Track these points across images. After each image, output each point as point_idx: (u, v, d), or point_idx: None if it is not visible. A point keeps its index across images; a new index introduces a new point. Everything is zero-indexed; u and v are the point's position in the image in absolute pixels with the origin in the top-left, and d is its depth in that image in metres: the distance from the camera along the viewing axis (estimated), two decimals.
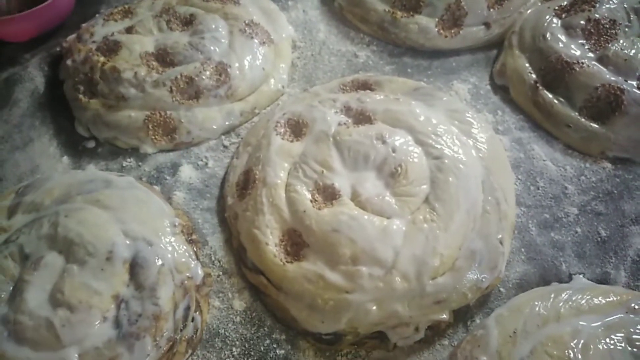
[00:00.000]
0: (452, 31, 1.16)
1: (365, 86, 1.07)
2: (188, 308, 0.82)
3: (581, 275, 0.89)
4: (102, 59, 1.08)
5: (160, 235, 0.85)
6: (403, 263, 0.81)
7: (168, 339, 0.79)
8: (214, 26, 1.12)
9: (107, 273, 0.80)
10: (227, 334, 0.85)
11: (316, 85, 1.12)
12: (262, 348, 0.83)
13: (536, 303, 0.80)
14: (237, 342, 0.84)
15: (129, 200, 0.89)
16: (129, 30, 1.14)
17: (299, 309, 0.82)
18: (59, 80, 1.15)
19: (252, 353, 0.83)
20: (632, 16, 1.09)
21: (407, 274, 0.80)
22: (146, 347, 0.77)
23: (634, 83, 1.01)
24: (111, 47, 1.10)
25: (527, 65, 1.09)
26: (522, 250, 0.92)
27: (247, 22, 1.14)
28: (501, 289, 0.89)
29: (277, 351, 0.83)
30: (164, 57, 1.08)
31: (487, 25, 1.17)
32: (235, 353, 0.83)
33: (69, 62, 1.12)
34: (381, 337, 0.83)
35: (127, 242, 0.83)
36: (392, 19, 1.18)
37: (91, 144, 1.08)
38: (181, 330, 0.81)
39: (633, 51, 1.03)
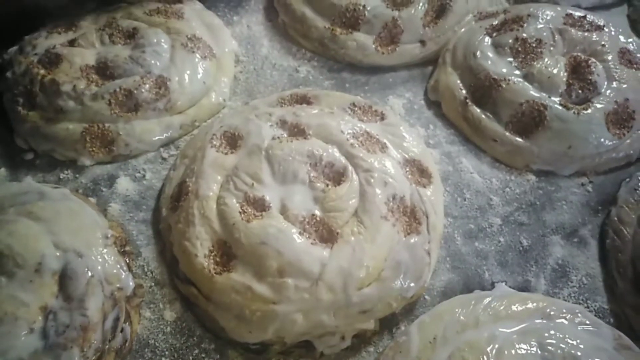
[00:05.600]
0: (389, 48, 1.20)
1: (303, 100, 1.10)
2: (117, 319, 0.83)
3: (503, 283, 0.93)
4: (42, 71, 1.09)
5: (91, 246, 0.86)
6: (329, 275, 0.83)
7: (96, 350, 0.79)
8: (155, 40, 1.13)
9: (35, 284, 0.80)
10: (157, 344, 0.86)
11: (256, 99, 1.15)
12: (191, 358, 0.84)
13: (457, 310, 0.83)
14: (167, 352, 0.85)
15: (61, 212, 0.90)
16: (72, 43, 1.15)
17: (228, 319, 0.84)
18: None
19: None
20: (557, 36, 1.15)
21: (333, 285, 0.83)
22: (73, 357, 0.77)
23: (557, 99, 1.06)
24: (52, 60, 1.11)
25: (458, 82, 1.14)
26: (448, 259, 0.96)
27: (189, 36, 1.16)
28: (426, 297, 0.92)
29: None
30: (104, 71, 1.09)
31: (422, 42, 1.22)
32: None
33: (8, 74, 1.12)
34: (308, 346, 0.85)
35: (57, 253, 0.83)
36: (332, 36, 1.21)
37: (29, 156, 1.08)
38: (110, 341, 0.82)
39: (556, 69, 1.09)
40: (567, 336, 0.78)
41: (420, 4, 1.22)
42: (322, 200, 0.90)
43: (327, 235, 0.87)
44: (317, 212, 0.89)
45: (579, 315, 0.82)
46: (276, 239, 0.84)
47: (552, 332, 0.78)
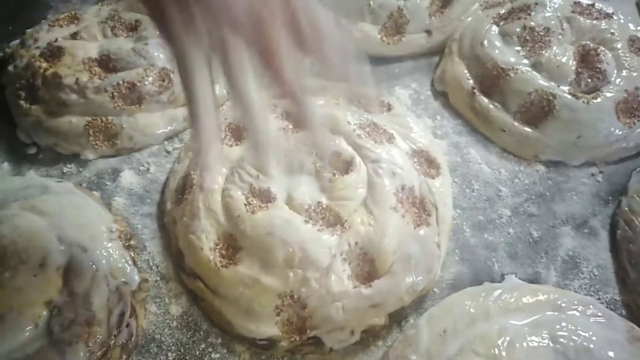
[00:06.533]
0: (395, 38, 1.19)
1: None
2: (122, 313, 0.82)
3: (513, 275, 0.92)
4: (44, 64, 1.08)
5: (95, 241, 0.85)
6: (339, 265, 0.82)
7: (101, 345, 0.79)
8: (158, 32, 1.12)
9: (40, 279, 0.80)
10: (163, 339, 0.85)
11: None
12: (197, 352, 0.83)
13: (467, 302, 0.82)
14: (173, 347, 0.84)
15: (65, 206, 0.89)
16: (74, 36, 1.14)
17: (234, 313, 0.83)
18: (1, 86, 1.13)
19: (187, 357, 0.83)
20: (565, 24, 1.13)
21: (343, 276, 0.82)
22: (79, 353, 0.77)
23: (566, 88, 1.05)
24: (54, 53, 1.10)
25: (465, 71, 1.12)
26: (456, 251, 0.94)
27: None
28: (435, 290, 0.91)
29: (213, 355, 0.83)
30: (107, 63, 1.08)
31: (428, 32, 1.20)
32: (170, 358, 0.83)
33: (10, 67, 1.11)
34: (316, 342, 0.83)
35: (62, 248, 0.83)
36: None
37: (32, 150, 1.07)
38: (115, 336, 0.81)
39: (565, 58, 1.07)
40: (579, 328, 0.77)
41: None
42: (330, 189, 0.89)
43: (333, 220, 0.86)
44: (324, 200, 0.88)
45: (591, 307, 0.81)
46: (282, 229, 0.83)
47: (563, 324, 0.77)
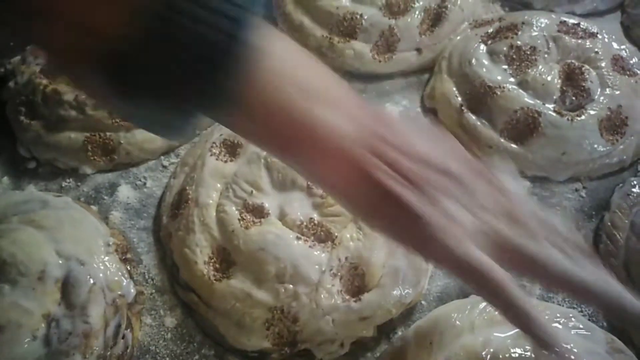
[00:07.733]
0: (386, 56, 1.22)
1: None
2: (119, 326, 0.85)
3: None
4: (44, 81, 1.10)
5: (93, 254, 0.88)
6: (328, 280, 0.85)
7: (98, 356, 0.81)
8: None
9: (38, 292, 0.82)
10: (158, 351, 0.87)
11: None
12: None
13: (453, 315, 0.84)
14: (167, 359, 0.86)
15: (64, 220, 0.91)
16: None
17: (227, 326, 0.85)
18: (1, 102, 1.16)
19: None
20: (551, 44, 1.16)
21: (332, 291, 0.84)
22: None
23: (551, 106, 1.08)
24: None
25: (454, 89, 1.15)
26: None
27: None
28: (423, 302, 0.93)
29: None
30: None
31: (419, 50, 1.23)
32: None
33: (11, 83, 1.14)
34: (307, 354, 0.86)
35: (60, 261, 0.85)
36: (330, 45, 1.23)
37: (32, 165, 1.10)
38: (111, 348, 0.83)
39: (550, 76, 1.10)
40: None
41: (417, 13, 1.23)
42: (321, 205, 0.91)
43: (324, 236, 0.88)
44: (316, 216, 0.90)
45: (573, 319, 0.83)
46: (274, 245, 0.85)
47: None
